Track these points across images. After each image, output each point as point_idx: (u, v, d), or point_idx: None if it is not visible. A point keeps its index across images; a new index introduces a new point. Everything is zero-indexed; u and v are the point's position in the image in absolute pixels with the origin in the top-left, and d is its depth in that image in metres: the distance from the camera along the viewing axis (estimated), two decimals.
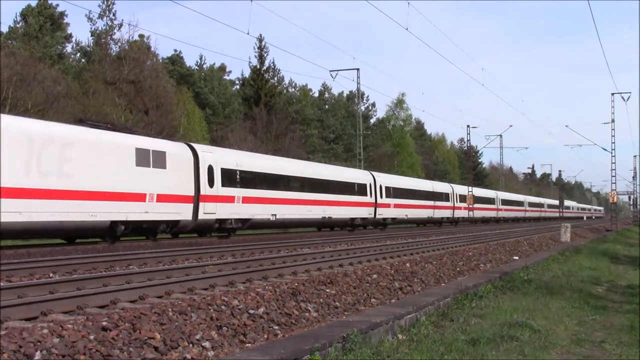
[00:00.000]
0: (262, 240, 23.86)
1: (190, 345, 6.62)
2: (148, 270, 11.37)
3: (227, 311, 7.81)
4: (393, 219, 40.78)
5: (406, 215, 43.01)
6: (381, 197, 38.94)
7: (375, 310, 9.55)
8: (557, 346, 8.57)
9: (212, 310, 7.67)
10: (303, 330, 7.98)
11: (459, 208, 54.23)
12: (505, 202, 70.36)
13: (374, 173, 40.40)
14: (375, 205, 38.17)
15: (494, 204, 66.46)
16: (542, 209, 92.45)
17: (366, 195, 37.29)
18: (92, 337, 6.04)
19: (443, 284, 13.36)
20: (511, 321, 9.63)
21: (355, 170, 42.63)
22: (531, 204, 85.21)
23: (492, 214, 65.23)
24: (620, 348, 8.53)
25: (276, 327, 7.93)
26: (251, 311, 8.07)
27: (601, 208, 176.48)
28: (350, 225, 35.96)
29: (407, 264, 14.43)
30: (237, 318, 7.74)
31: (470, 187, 55.58)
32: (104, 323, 6.38)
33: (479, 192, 62.69)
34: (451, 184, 56.42)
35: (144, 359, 6.07)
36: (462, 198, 55.04)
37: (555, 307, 11.66)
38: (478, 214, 58.49)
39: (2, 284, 9.22)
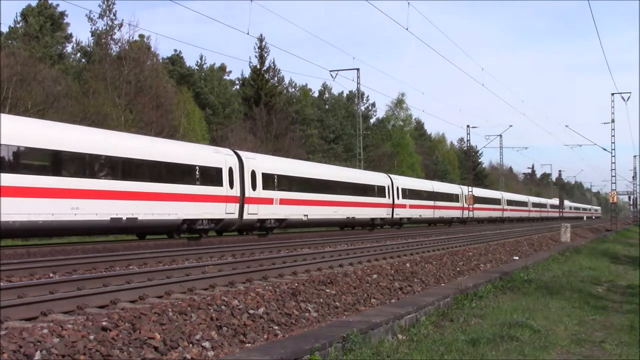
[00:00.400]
0: (262, 241, 23.87)
1: (190, 345, 6.62)
2: (148, 270, 11.37)
3: (227, 311, 7.81)
4: (280, 220, 28.76)
5: (305, 216, 30.60)
6: (254, 188, 26.79)
7: (375, 310, 9.55)
8: (557, 346, 8.56)
9: (212, 310, 7.68)
10: (303, 330, 7.98)
11: (402, 206, 42.03)
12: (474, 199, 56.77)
13: (241, 153, 27.52)
14: (242, 200, 25.76)
15: (457, 201, 54.23)
16: (525, 209, 78.41)
17: (221, 184, 24.70)
18: (92, 337, 6.04)
19: (443, 284, 13.36)
20: (511, 321, 9.63)
21: (197, 146, 28.03)
22: (510, 202, 71.54)
23: (456, 213, 53.21)
24: (620, 348, 8.53)
25: (276, 327, 7.93)
26: (251, 311, 8.07)
27: (598, 207, 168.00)
28: (177, 230, 23.27)
29: (407, 264, 14.43)
30: (237, 318, 7.74)
31: (470, 187, 55.29)
32: (104, 323, 6.38)
33: (422, 184, 49.83)
34: (389, 174, 44.08)
35: (144, 359, 6.07)
36: (411, 193, 43.81)
37: (555, 307, 11.66)
38: (428, 213, 47.31)
39: (2, 284, 9.23)
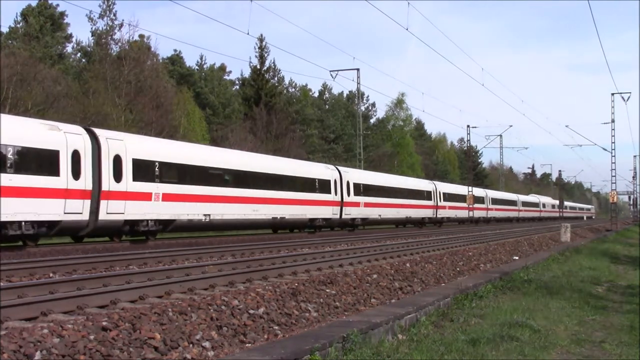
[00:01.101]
0: (262, 240, 23.87)
1: (190, 345, 6.62)
2: (148, 270, 11.37)
3: (227, 311, 7.81)
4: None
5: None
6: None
7: (375, 310, 9.55)
8: (557, 346, 8.56)
9: (212, 310, 7.68)
10: (303, 330, 7.97)
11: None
12: (404, 193, 44.02)
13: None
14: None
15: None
16: (472, 206, 54.79)
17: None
18: (92, 337, 6.04)
19: (443, 284, 13.36)
20: (511, 321, 9.63)
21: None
22: (449, 197, 52.86)
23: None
24: (620, 348, 8.53)
25: (276, 327, 7.93)
26: (251, 311, 8.07)
27: (590, 206, 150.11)
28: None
29: (407, 264, 14.43)
30: (237, 318, 7.74)
31: (470, 187, 55.18)
32: (104, 323, 6.38)
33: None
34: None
35: (144, 359, 6.07)
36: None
37: (555, 307, 11.66)
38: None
39: (2, 284, 9.23)
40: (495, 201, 65.21)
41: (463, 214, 54.50)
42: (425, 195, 47.94)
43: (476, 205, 56.65)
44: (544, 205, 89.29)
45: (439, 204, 49.92)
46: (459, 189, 56.90)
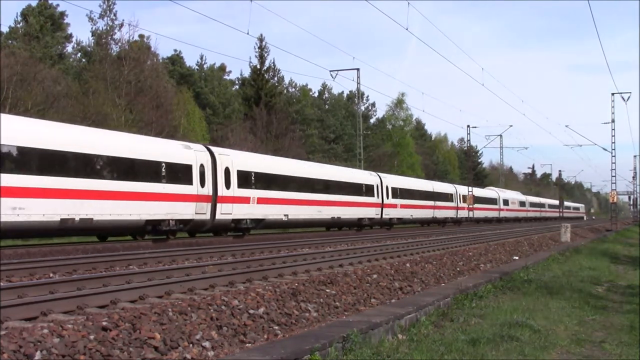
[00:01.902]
0: (263, 240, 23.87)
1: (190, 345, 6.62)
2: (148, 270, 11.37)
3: (227, 311, 7.82)
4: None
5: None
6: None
7: (375, 310, 9.55)
8: (557, 346, 8.56)
9: (212, 310, 7.68)
10: (303, 330, 7.97)
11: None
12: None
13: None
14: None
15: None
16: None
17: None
18: (92, 337, 6.04)
19: (443, 284, 13.36)
20: (511, 321, 9.63)
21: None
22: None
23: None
24: (620, 348, 8.53)
25: (276, 327, 7.93)
26: (251, 311, 8.07)
27: (580, 205, 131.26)
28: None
29: (407, 264, 14.43)
30: (237, 318, 7.74)
31: (470, 187, 55.18)
32: (104, 323, 6.38)
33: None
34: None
35: (144, 359, 6.07)
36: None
37: (555, 307, 11.66)
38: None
39: (2, 284, 9.23)
40: (405, 193, 42.52)
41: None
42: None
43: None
44: (506, 202, 67.84)
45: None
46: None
